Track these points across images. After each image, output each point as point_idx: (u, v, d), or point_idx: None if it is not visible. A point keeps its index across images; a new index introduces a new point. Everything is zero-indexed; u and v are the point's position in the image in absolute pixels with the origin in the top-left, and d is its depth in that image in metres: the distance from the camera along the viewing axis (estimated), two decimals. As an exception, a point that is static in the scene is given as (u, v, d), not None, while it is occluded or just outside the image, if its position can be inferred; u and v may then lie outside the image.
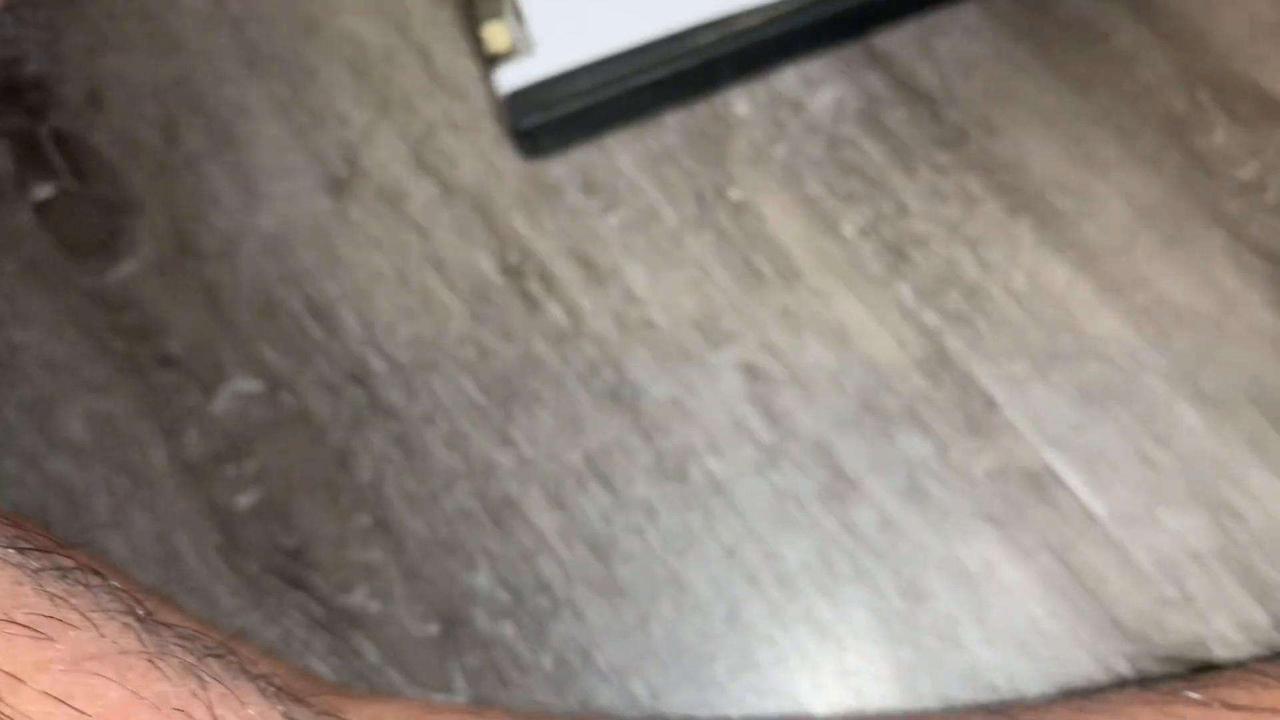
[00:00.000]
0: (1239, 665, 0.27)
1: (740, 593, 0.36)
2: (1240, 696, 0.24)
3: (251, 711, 0.21)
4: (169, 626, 0.22)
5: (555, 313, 0.40)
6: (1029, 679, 0.34)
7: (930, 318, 0.38)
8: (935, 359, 0.38)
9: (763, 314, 0.39)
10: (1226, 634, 0.34)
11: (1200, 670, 0.32)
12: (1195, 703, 0.24)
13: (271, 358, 0.41)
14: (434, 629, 0.37)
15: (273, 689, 0.22)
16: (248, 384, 0.40)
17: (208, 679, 0.21)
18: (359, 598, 0.38)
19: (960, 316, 0.38)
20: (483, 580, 0.38)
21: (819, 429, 0.38)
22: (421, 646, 0.37)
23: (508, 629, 0.37)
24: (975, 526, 0.36)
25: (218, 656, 0.22)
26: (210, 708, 0.21)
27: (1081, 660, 0.34)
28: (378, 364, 0.40)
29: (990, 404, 0.37)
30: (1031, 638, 0.35)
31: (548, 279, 0.40)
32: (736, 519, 0.37)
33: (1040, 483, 0.36)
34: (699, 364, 0.39)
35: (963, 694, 0.35)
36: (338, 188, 0.42)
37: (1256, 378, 0.36)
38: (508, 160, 0.42)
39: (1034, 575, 0.35)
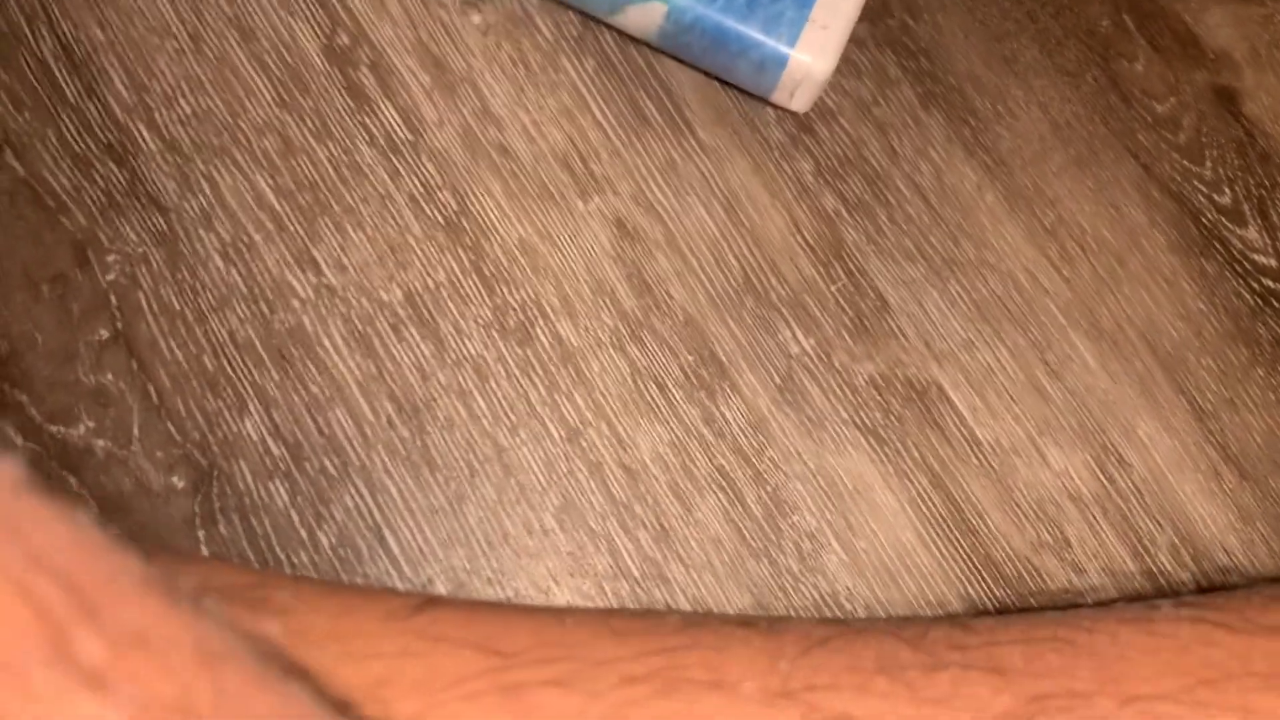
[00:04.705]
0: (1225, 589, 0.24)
1: (580, 483, 0.30)
2: (1245, 617, 0.20)
3: None
4: None
5: (388, 115, 0.32)
6: (890, 612, 0.30)
7: (829, 201, 0.33)
8: (829, 247, 0.33)
9: (643, 164, 0.33)
10: (1097, 585, 0.31)
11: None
12: (1184, 620, 0.20)
13: (1, 107, 0.31)
14: (180, 482, 0.29)
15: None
16: (-42, 134, 0.30)
17: None
18: (81, 432, 0.29)
19: (861, 205, 0.34)
20: (253, 429, 0.29)
21: (693, 305, 0.32)
22: (160, 504, 0.29)
23: (279, 493, 0.29)
24: (852, 438, 0.31)
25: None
26: None
27: (949, 599, 0.31)
28: (147, 140, 0.31)
29: (882, 305, 0.33)
30: (899, 568, 0.31)
31: (384, 73, 0.32)
32: (585, 396, 0.31)
33: (926, 399, 0.32)
34: (562, 209, 0.32)
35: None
36: (121, -91, 0.33)
37: (1153, 321, 0.34)
38: (351, -75, 0.34)
39: (909, 499, 0.31)
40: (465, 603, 0.22)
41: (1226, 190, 0.36)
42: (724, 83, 0.34)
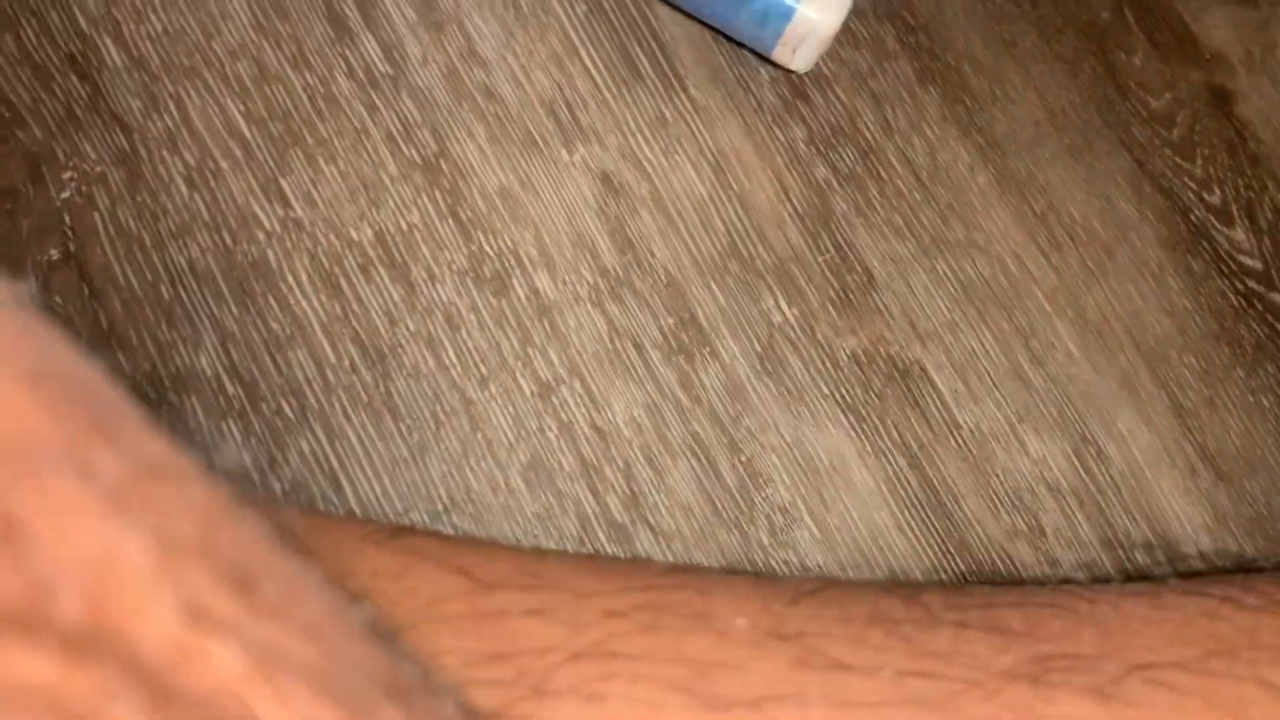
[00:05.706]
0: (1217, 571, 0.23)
1: (550, 441, 0.29)
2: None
3: None
4: None
5: (369, 48, 0.31)
6: (861, 595, 0.29)
7: (821, 171, 0.32)
8: (818, 217, 0.32)
9: (632, 118, 0.32)
10: (1071, 578, 0.31)
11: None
12: (1182, 591, 0.20)
13: (-47, 6, 0.29)
14: (126, 416, 0.27)
15: None
16: (-92, 31, 0.28)
17: None
18: (22, 355, 0.27)
19: (852, 177, 0.33)
20: (208, 364, 0.28)
21: (675, 267, 0.31)
22: (103, 436, 0.27)
23: (232, 433, 0.28)
24: (831, 413, 0.31)
25: None
26: None
27: (920, 583, 0.30)
28: (113, 54, 0.29)
29: (868, 280, 0.32)
30: (872, 548, 0.30)
31: (367, 4, 0.31)
32: (559, 351, 0.30)
33: (907, 378, 0.31)
34: (546, 158, 0.31)
35: (784, 601, 0.29)
36: None
37: (1137, 315, 0.33)
38: None
39: (885, 479, 0.30)
40: (441, 534, 0.21)
41: (1216, 190, 0.35)
42: (719, 40, 0.33)
